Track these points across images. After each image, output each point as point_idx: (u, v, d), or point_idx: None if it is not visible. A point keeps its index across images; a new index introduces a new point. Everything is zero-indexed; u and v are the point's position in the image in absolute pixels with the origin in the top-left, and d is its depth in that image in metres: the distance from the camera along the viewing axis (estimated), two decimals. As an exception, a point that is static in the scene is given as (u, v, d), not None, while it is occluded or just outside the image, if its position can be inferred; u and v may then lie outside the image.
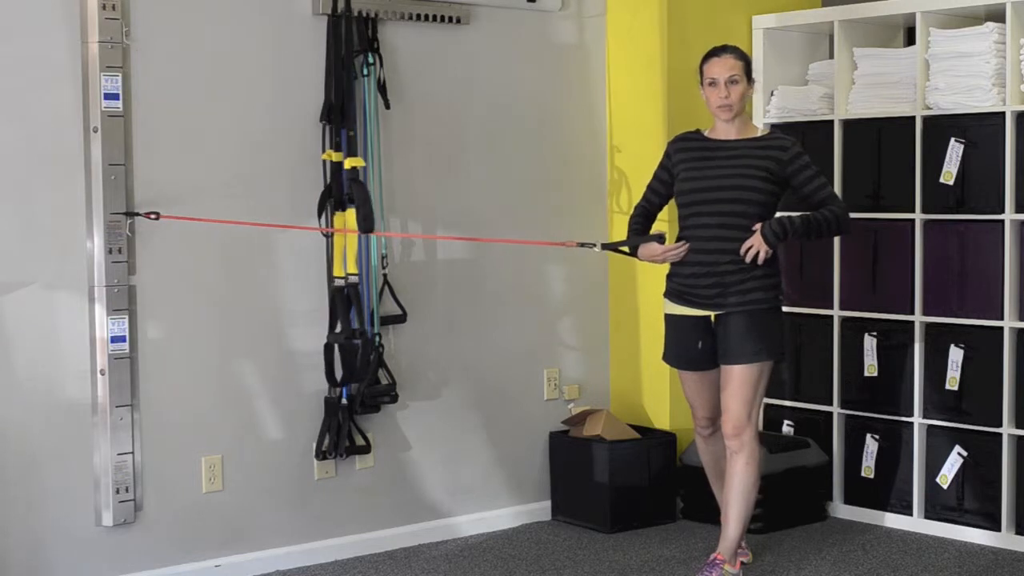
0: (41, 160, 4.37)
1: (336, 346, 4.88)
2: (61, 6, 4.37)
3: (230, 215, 4.73)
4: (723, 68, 4.48)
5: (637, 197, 5.67)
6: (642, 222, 4.73)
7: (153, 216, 4.44)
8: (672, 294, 4.60)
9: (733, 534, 4.56)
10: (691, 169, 4.55)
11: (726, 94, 4.47)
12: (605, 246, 4.78)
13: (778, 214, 4.55)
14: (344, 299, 4.87)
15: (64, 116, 4.40)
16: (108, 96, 4.42)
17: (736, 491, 4.53)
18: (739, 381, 4.47)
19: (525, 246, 5.49)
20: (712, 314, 4.49)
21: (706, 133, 4.63)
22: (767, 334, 4.50)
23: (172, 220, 4.51)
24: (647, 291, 5.67)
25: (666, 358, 4.72)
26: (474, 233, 5.32)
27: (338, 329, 4.87)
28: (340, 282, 4.88)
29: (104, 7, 4.39)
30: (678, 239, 4.60)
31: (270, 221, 4.82)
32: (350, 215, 4.83)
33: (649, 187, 4.75)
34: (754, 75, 4.66)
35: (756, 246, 4.39)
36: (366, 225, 4.77)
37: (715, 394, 4.63)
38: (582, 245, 4.74)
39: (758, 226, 4.41)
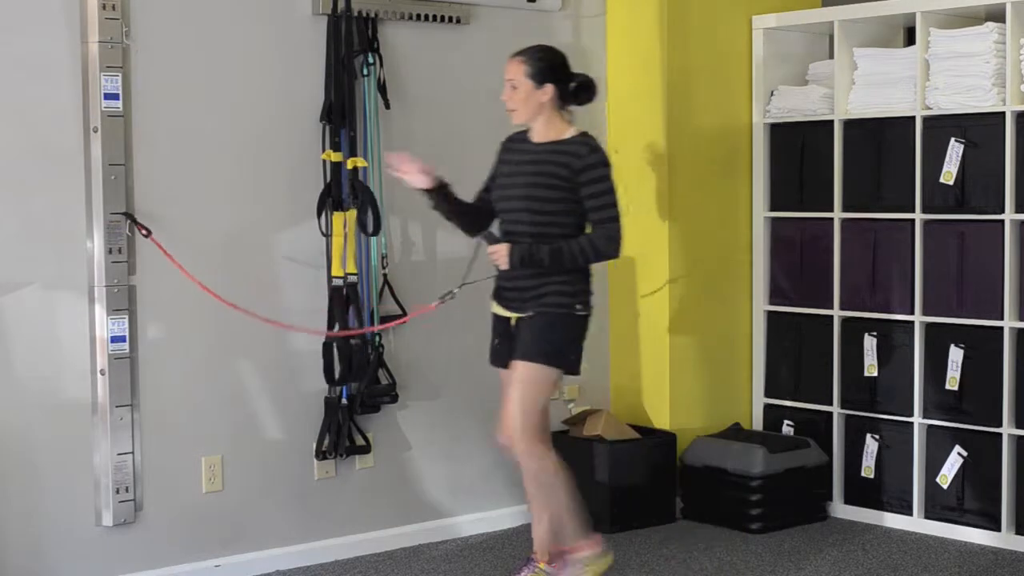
0: (41, 160, 4.37)
1: (334, 345, 4.88)
2: (61, 6, 4.37)
3: (230, 215, 4.73)
4: (508, 70, 4.39)
5: (636, 198, 5.71)
6: (466, 206, 4.54)
7: (144, 232, 4.44)
8: (493, 291, 4.53)
9: (542, 533, 4.47)
10: (502, 175, 4.48)
11: (507, 96, 4.39)
12: (463, 285, 4.59)
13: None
14: (342, 299, 4.88)
15: (64, 116, 4.40)
16: (108, 96, 4.42)
17: (535, 495, 4.44)
18: (517, 380, 4.35)
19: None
20: (513, 317, 4.42)
21: (528, 134, 4.49)
22: (554, 339, 4.36)
23: (171, 219, 4.52)
24: (647, 291, 5.68)
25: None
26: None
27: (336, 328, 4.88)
28: (339, 282, 4.88)
29: (104, 7, 4.39)
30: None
31: (270, 221, 4.82)
32: (350, 215, 4.84)
33: (485, 183, 4.60)
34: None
35: (499, 257, 4.33)
36: (375, 228, 4.84)
37: None
38: (444, 299, 4.60)
39: (504, 246, 4.32)
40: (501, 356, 4.49)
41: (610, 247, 4.33)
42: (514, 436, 4.35)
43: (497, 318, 4.50)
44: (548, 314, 4.35)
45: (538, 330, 4.35)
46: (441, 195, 4.47)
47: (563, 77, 4.41)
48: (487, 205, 4.54)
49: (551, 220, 4.33)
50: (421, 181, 4.43)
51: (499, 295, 4.48)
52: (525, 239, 4.32)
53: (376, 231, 4.88)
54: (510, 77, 4.37)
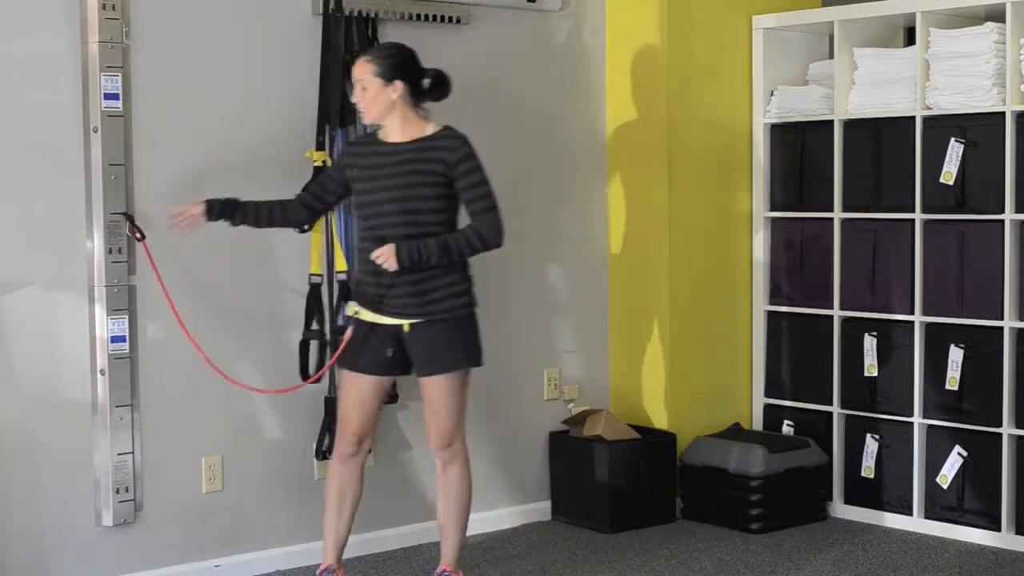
0: (41, 160, 4.37)
1: (310, 343, 4.86)
2: (61, 6, 4.38)
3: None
4: (355, 72, 4.34)
5: (636, 198, 5.70)
6: (267, 209, 4.48)
7: (138, 237, 4.43)
8: (362, 299, 4.40)
9: (456, 544, 4.50)
10: (362, 179, 4.37)
11: (359, 98, 4.33)
12: (356, 313, 4.45)
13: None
14: (317, 297, 4.84)
15: (64, 116, 4.40)
16: (108, 96, 4.42)
17: (455, 502, 4.46)
18: (444, 391, 4.35)
19: (527, 243, 5.50)
20: (405, 323, 4.33)
21: (379, 135, 4.43)
22: (464, 342, 4.38)
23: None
24: (647, 291, 5.68)
25: (341, 360, 4.45)
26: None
27: (314, 326, 4.87)
28: (316, 279, 4.85)
29: (104, 7, 4.39)
30: (360, 250, 4.44)
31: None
32: (331, 213, 4.80)
33: (317, 180, 4.55)
34: (412, 73, 4.33)
35: (386, 259, 4.22)
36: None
37: (373, 408, 4.46)
38: (350, 327, 4.43)
39: (389, 248, 4.22)
40: (386, 367, 4.39)
41: (496, 236, 4.34)
42: (443, 445, 4.40)
43: (377, 327, 4.36)
44: (453, 320, 4.34)
45: (449, 338, 4.34)
46: (228, 212, 4.42)
47: (413, 73, 4.35)
48: (307, 200, 4.50)
49: (429, 219, 4.29)
50: (195, 211, 4.38)
51: (375, 302, 4.35)
52: (401, 241, 4.25)
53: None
54: (359, 78, 4.31)
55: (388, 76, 4.30)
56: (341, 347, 4.41)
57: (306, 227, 4.73)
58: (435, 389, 4.36)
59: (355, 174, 4.39)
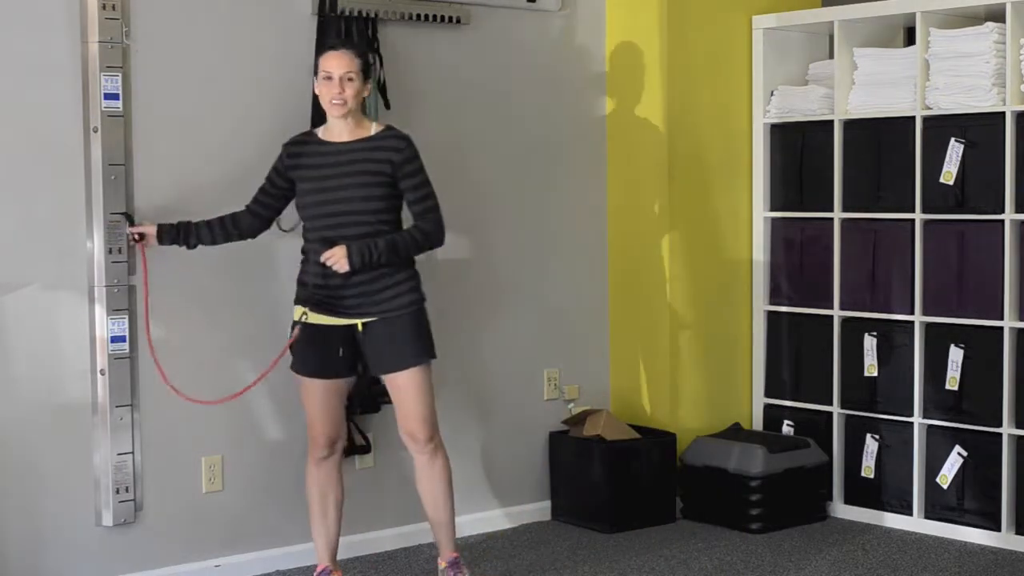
0: (41, 160, 4.37)
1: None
2: (61, 6, 4.38)
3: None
4: (339, 64, 4.31)
5: (635, 198, 5.70)
6: (219, 227, 4.48)
7: (135, 238, 4.43)
8: (310, 302, 4.37)
9: (454, 530, 4.58)
10: (309, 179, 4.36)
11: (339, 90, 4.29)
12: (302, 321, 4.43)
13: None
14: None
15: (64, 116, 4.40)
16: (108, 96, 4.42)
17: (447, 493, 4.50)
18: (416, 386, 4.38)
19: (527, 243, 5.50)
20: (359, 322, 4.35)
21: (320, 134, 4.43)
22: (423, 336, 4.41)
23: (171, 219, 4.51)
24: (647, 291, 5.68)
25: (300, 368, 4.45)
26: (475, 233, 5.32)
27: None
28: None
29: (104, 7, 4.39)
30: (307, 252, 4.41)
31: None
32: None
33: (261, 187, 4.51)
34: (376, 75, 4.41)
35: (336, 260, 4.22)
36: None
37: (338, 410, 4.50)
38: (293, 338, 4.42)
39: (340, 249, 4.22)
40: (342, 368, 4.41)
41: (440, 234, 4.41)
42: (428, 438, 4.43)
43: (329, 329, 4.36)
44: (410, 314, 4.37)
45: (409, 333, 4.37)
46: (182, 236, 4.45)
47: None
48: (255, 209, 4.49)
49: (376, 219, 4.31)
50: (147, 231, 4.42)
51: (328, 304, 4.35)
52: (350, 242, 4.25)
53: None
54: (348, 70, 4.29)
55: (367, 74, 4.37)
56: (283, 349, 4.45)
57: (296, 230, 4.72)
58: (408, 383, 4.39)
59: (299, 175, 4.40)
